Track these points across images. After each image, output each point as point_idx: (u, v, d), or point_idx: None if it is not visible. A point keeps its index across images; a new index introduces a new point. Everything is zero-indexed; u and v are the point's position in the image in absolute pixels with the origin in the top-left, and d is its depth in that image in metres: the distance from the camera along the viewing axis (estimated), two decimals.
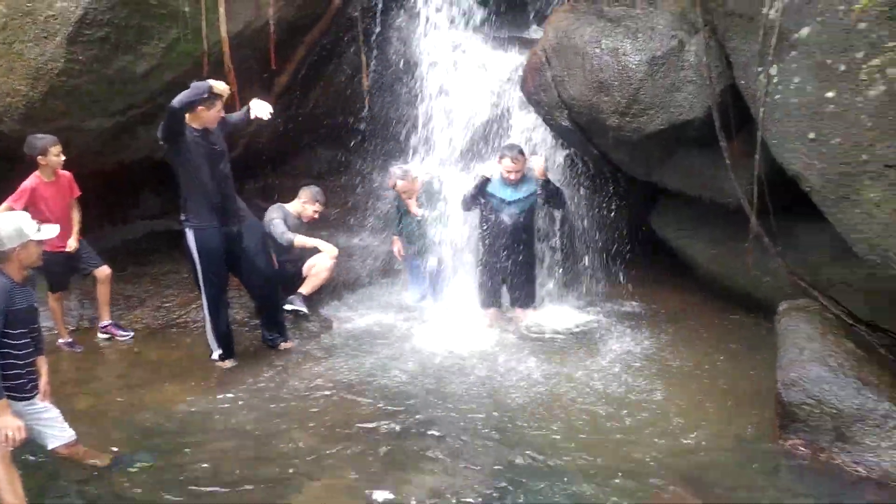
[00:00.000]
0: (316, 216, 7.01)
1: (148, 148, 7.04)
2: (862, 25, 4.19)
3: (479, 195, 6.54)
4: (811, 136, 4.44)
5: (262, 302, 6.14)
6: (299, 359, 6.03)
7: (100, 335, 6.35)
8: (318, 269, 6.74)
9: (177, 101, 5.24)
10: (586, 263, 7.29)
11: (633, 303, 6.96)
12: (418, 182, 6.96)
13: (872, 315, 5.22)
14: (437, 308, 6.92)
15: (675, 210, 6.93)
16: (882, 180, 4.17)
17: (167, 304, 6.76)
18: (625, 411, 5.03)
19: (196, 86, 5.36)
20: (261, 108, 5.78)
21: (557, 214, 6.99)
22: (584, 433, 4.76)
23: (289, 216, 6.86)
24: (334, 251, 6.78)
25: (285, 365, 5.91)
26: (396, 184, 6.94)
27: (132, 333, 6.35)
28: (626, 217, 7.35)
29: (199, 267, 5.67)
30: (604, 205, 7.20)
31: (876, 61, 4.15)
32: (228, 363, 5.89)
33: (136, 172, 7.43)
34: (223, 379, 5.71)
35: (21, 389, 3.89)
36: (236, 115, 5.98)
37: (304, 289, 6.68)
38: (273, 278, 6.17)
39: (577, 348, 6.08)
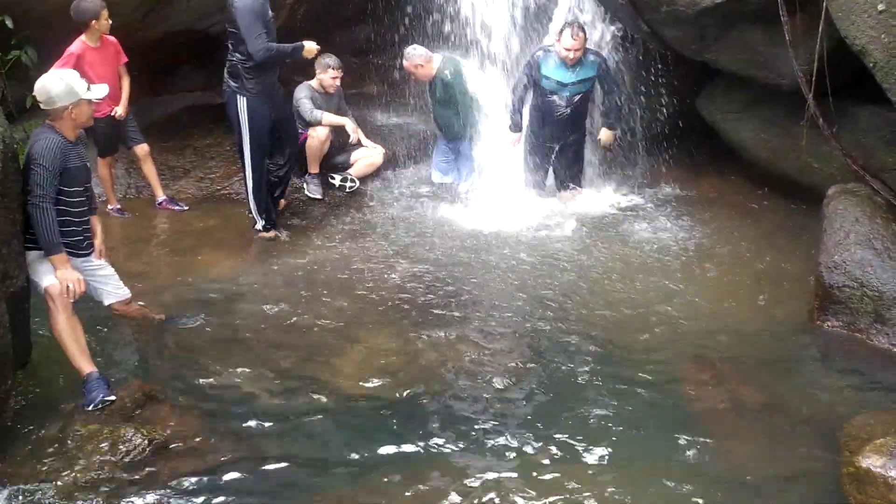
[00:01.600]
0: (337, 82, 6.87)
1: (189, 20, 6.94)
2: None
3: (530, 80, 6.40)
4: (880, 7, 4.23)
5: (285, 172, 6.21)
6: (338, 233, 6.12)
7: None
8: (366, 160, 6.90)
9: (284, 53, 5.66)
10: (630, 146, 7.17)
11: (674, 187, 6.87)
12: (425, 66, 6.79)
13: None
14: (478, 187, 6.90)
15: (725, 92, 6.70)
16: None
17: (211, 176, 6.85)
18: (661, 292, 5.08)
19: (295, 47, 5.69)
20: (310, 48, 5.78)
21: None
22: (620, 311, 4.83)
23: (314, 93, 6.82)
24: (355, 128, 6.88)
25: (326, 238, 6.02)
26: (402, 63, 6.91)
27: (186, 207, 6.46)
28: (671, 99, 7.15)
29: (247, 135, 5.71)
30: (650, 86, 7.00)
31: None
32: (270, 233, 6.01)
33: (176, 45, 7.36)
34: (264, 248, 5.84)
35: (78, 246, 4.01)
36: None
37: (353, 171, 6.85)
38: (297, 151, 6.28)
39: (618, 230, 6.09)
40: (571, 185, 6.61)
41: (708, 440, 3.57)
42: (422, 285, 5.16)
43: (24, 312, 3.79)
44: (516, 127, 6.58)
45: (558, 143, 6.48)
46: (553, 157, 6.56)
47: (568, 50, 6.11)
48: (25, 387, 3.89)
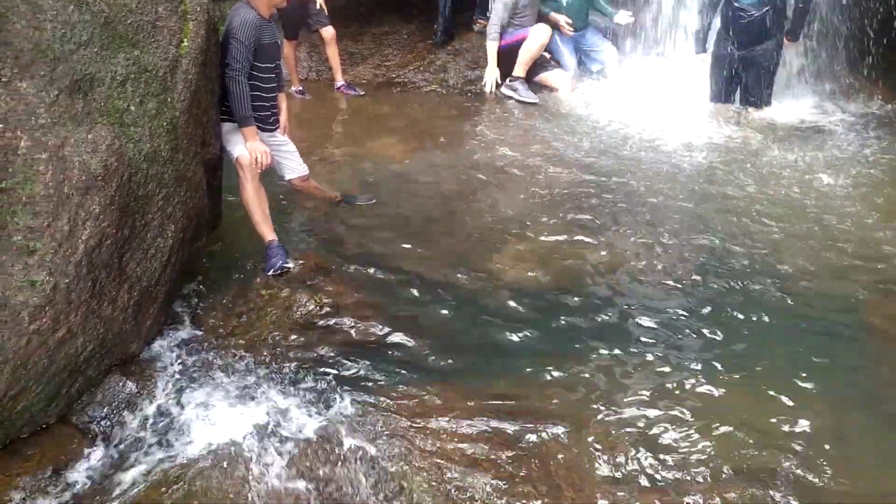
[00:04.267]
0: None
1: None
2: None
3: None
4: None
5: None
6: (509, 130, 6.09)
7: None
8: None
9: None
10: (830, 58, 6.55)
11: (878, 102, 6.28)
12: None
13: None
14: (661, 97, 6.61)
15: None
16: None
17: (387, 63, 6.98)
18: (847, 217, 4.70)
19: None
20: None
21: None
22: (798, 235, 4.52)
23: None
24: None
25: (497, 133, 6.01)
26: None
27: (363, 92, 6.64)
28: (882, 5, 6.41)
29: None
30: None
31: None
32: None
33: None
34: (435, 138, 5.92)
35: (265, 121, 4.21)
36: None
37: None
38: None
39: (805, 147, 5.65)
40: (758, 101, 6.16)
41: (890, 373, 3.34)
42: (590, 188, 5.07)
43: (217, 179, 4.09)
44: (700, 48, 6.30)
45: (746, 52, 6.04)
46: (741, 68, 6.14)
47: None
48: (214, 249, 4.24)
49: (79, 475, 2.81)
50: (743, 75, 6.18)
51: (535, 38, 6.54)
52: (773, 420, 3.04)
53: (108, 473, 2.84)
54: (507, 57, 6.62)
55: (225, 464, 2.83)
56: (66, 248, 2.77)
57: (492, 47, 6.61)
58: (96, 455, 2.89)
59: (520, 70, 6.57)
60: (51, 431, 2.89)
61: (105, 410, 3.03)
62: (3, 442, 2.76)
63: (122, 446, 2.96)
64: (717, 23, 6.23)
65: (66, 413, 2.96)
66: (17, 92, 2.77)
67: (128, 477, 2.83)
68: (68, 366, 2.85)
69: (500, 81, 6.67)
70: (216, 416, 3.12)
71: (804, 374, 3.30)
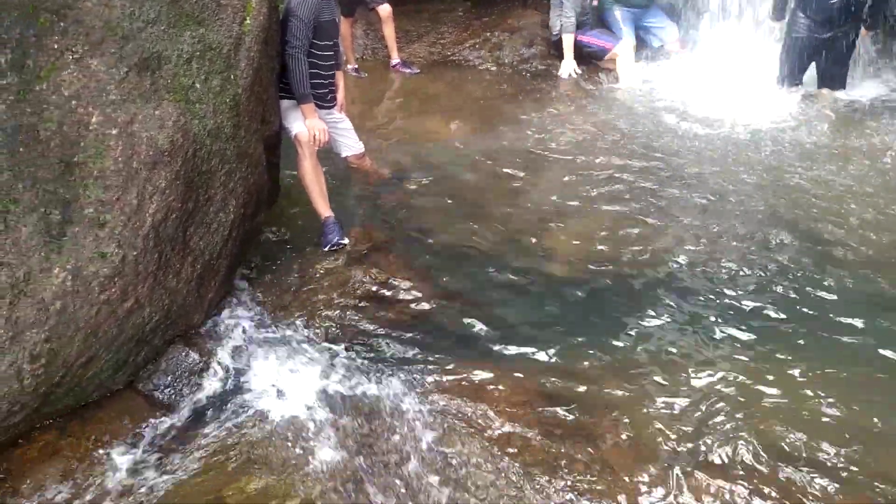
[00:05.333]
0: None
1: None
2: None
3: None
4: None
5: None
6: (565, 109, 6.03)
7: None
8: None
9: None
10: None
11: None
12: None
13: None
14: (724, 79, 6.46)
15: None
16: None
17: (442, 41, 6.95)
18: None
19: None
20: None
21: None
22: (862, 224, 4.38)
23: None
24: None
25: (548, 115, 5.96)
26: None
27: (418, 71, 6.65)
28: None
29: None
30: None
31: None
32: None
33: None
34: (490, 117, 5.89)
35: (323, 98, 4.26)
36: None
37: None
38: None
39: (881, 130, 5.47)
40: (835, 84, 5.97)
41: None
42: (647, 171, 4.99)
43: (276, 157, 4.15)
44: (779, 14, 6.07)
45: (829, 33, 5.83)
46: (819, 50, 5.92)
47: None
48: (272, 224, 4.30)
49: (145, 439, 2.92)
50: (819, 58, 5.97)
51: (627, 54, 6.60)
52: (824, 409, 3.01)
53: (171, 439, 2.95)
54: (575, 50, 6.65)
55: (284, 433, 2.92)
56: (134, 221, 2.86)
57: (568, 40, 6.60)
58: (161, 421, 3.00)
59: (626, 80, 6.58)
60: (118, 397, 3.01)
61: (169, 378, 3.14)
62: (73, 407, 2.88)
63: (184, 413, 3.06)
64: (792, 5, 6.05)
65: (133, 380, 3.08)
66: (89, 69, 2.86)
67: (190, 443, 2.93)
68: (135, 335, 2.95)
69: (577, 71, 6.63)
70: (274, 387, 3.20)
71: (860, 363, 3.25)
